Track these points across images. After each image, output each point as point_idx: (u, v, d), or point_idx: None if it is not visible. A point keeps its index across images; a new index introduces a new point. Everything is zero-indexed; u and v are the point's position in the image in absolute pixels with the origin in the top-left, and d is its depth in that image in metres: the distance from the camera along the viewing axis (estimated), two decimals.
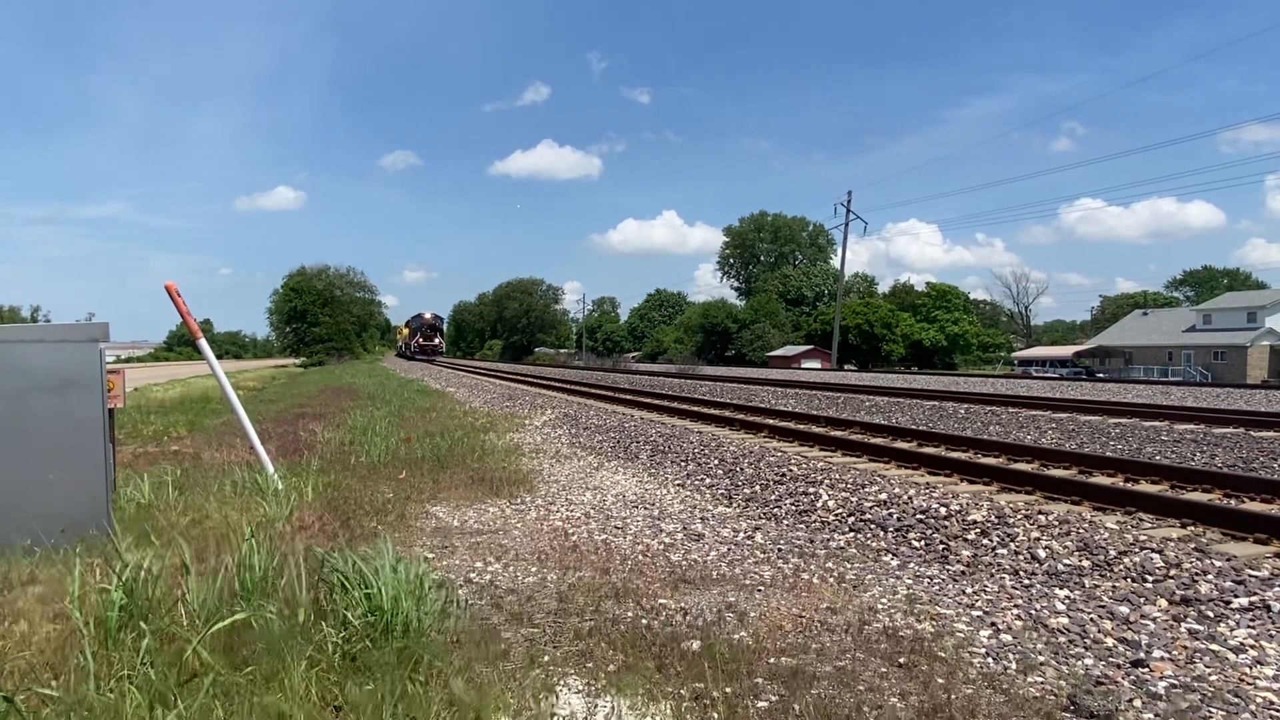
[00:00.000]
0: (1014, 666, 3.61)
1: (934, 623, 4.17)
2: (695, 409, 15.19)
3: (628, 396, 19.46)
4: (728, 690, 3.24)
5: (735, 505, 7.47)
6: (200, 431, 13.01)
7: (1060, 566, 5.01)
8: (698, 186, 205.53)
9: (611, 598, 4.45)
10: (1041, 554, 5.22)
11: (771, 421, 12.54)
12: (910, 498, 6.74)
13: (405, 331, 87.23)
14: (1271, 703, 3.22)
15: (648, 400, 18.34)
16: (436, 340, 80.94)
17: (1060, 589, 4.67)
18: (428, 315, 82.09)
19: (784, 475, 8.14)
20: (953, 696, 3.22)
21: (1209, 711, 3.16)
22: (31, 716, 2.83)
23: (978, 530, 5.81)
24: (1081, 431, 11.54)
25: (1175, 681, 3.42)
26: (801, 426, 11.84)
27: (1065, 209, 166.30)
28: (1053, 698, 3.27)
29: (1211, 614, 4.15)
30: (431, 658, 3.29)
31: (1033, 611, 4.33)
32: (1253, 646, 3.75)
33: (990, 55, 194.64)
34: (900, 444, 9.87)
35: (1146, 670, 3.54)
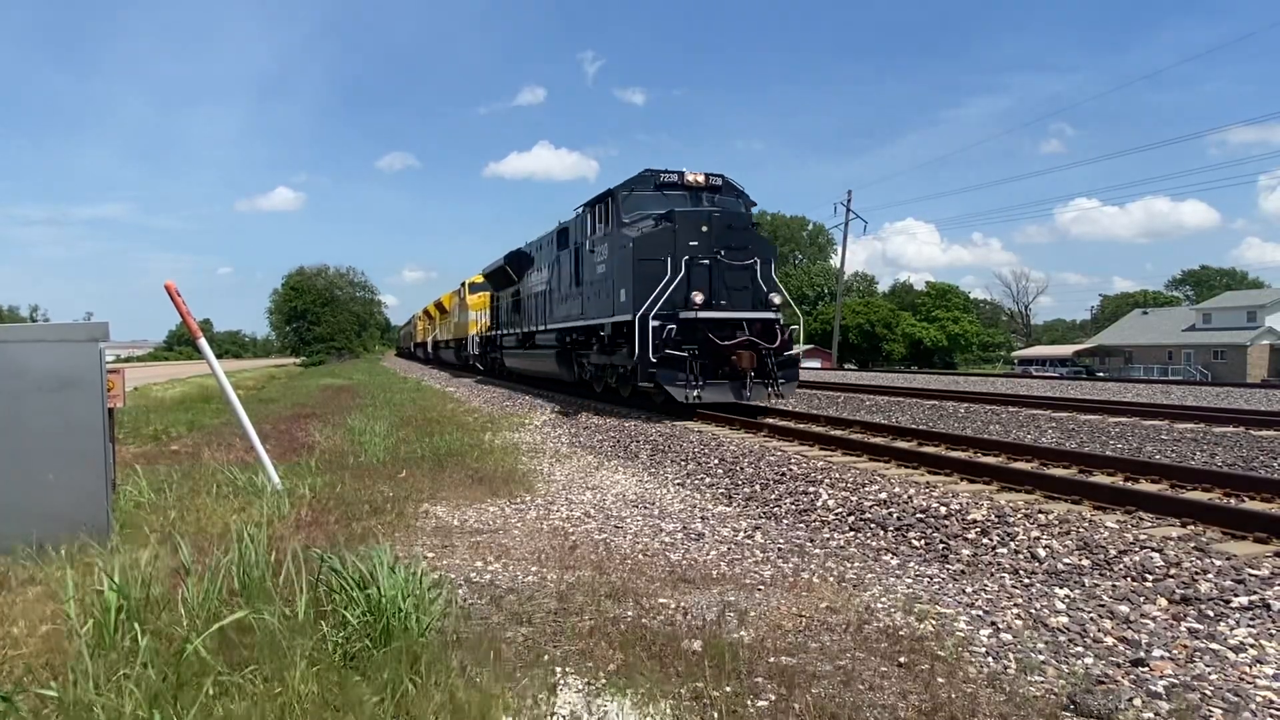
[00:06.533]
0: (1014, 666, 3.61)
1: (934, 622, 4.16)
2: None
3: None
4: (728, 689, 3.23)
5: (735, 504, 7.46)
6: (200, 431, 13.00)
7: (1060, 565, 5.01)
8: None
9: (611, 597, 4.44)
10: (1041, 553, 5.22)
11: (771, 420, 12.51)
12: (910, 497, 6.73)
13: (495, 301, 26.27)
14: (1271, 702, 3.22)
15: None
16: (776, 323, 12.90)
17: (1060, 588, 4.67)
18: (698, 178, 14.06)
19: (784, 474, 8.13)
20: (953, 695, 3.22)
21: (1209, 710, 3.15)
22: (31, 716, 2.83)
23: (978, 529, 5.81)
24: (1081, 430, 11.53)
25: (1175, 680, 3.41)
26: (801, 426, 11.80)
27: (1060, 209, 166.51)
28: (1053, 697, 3.27)
29: (1211, 613, 4.14)
30: (431, 657, 3.28)
31: (1033, 611, 4.33)
32: (1253, 645, 3.75)
33: (990, 55, 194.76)
34: (900, 443, 9.86)
35: (1146, 669, 3.54)
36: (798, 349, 13.92)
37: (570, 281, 16.84)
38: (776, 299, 13.25)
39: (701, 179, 14.46)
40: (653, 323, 12.52)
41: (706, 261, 12.87)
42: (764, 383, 12.84)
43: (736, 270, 13.04)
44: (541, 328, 19.33)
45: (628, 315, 13.22)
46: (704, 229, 13.00)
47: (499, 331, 25.47)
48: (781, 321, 13.26)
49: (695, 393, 12.55)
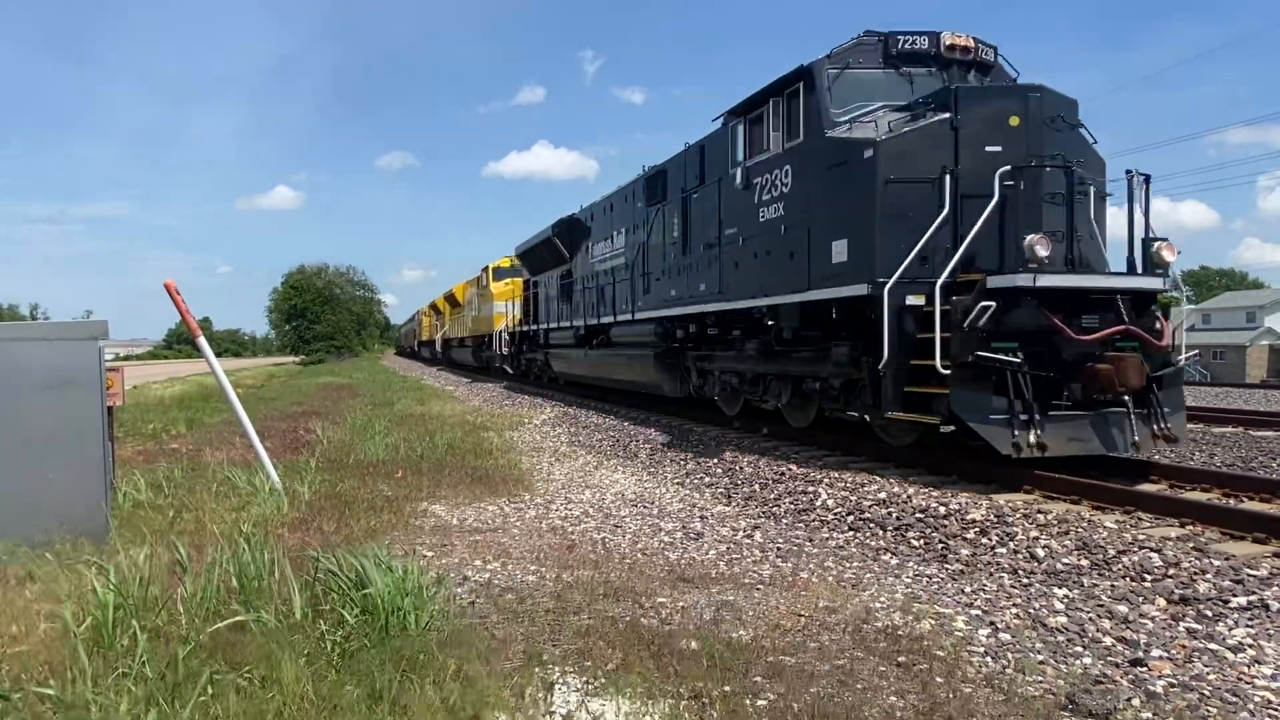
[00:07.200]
0: (1012, 665, 3.61)
1: (932, 621, 4.16)
2: (695, 408, 15.13)
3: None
4: (726, 689, 3.23)
5: (734, 504, 7.46)
6: (199, 429, 12.99)
7: (1059, 565, 5.01)
8: None
9: (610, 596, 4.44)
10: (1040, 553, 5.22)
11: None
12: (909, 496, 6.73)
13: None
14: (1269, 702, 3.22)
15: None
16: (1156, 299, 7.14)
17: (1059, 588, 4.67)
18: (964, 41, 8.05)
19: (783, 474, 8.13)
20: (951, 695, 3.22)
21: (1207, 711, 3.15)
22: (29, 715, 2.82)
23: (976, 529, 5.81)
24: None
25: (1174, 680, 3.41)
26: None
27: None
28: (1051, 697, 3.27)
29: (1210, 613, 4.14)
30: (428, 656, 3.28)
31: (1031, 610, 4.32)
32: (1251, 646, 3.75)
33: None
34: None
35: (1145, 669, 3.54)
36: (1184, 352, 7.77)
37: (679, 247, 11.40)
38: (1168, 254, 7.15)
39: (969, 43, 8.14)
40: (912, 299, 6.81)
41: (1023, 185, 6.80)
42: (1143, 414, 6.99)
43: (1082, 199, 7.09)
44: (621, 318, 13.83)
45: (857, 286, 7.34)
46: (1013, 122, 6.96)
47: (540, 325, 19.76)
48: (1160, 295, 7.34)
49: (1032, 436, 6.48)
